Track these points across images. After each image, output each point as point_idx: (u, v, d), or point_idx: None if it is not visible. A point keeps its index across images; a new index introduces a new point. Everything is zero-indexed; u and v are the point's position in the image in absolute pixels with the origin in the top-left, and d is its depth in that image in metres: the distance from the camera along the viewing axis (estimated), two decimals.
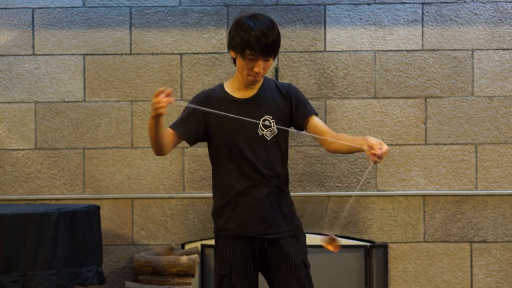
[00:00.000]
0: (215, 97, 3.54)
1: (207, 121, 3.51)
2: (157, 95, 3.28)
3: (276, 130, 3.47)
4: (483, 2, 5.68)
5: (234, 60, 3.49)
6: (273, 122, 3.48)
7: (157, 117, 3.34)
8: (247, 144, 3.46)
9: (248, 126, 3.45)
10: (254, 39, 3.36)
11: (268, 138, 3.47)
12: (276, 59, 3.50)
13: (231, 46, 3.46)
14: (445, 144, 5.69)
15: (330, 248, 3.36)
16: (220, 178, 3.52)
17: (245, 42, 3.37)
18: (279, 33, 3.44)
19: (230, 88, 3.55)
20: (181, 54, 5.71)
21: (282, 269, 3.48)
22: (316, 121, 3.52)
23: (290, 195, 3.58)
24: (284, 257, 3.47)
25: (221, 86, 3.59)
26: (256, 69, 3.42)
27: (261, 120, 3.47)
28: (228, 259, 3.48)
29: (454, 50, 5.69)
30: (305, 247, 3.54)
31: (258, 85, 3.52)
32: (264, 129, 3.48)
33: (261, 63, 3.41)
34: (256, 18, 3.43)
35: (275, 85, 3.56)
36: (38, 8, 5.72)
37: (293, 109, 3.52)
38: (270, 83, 3.55)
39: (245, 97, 3.51)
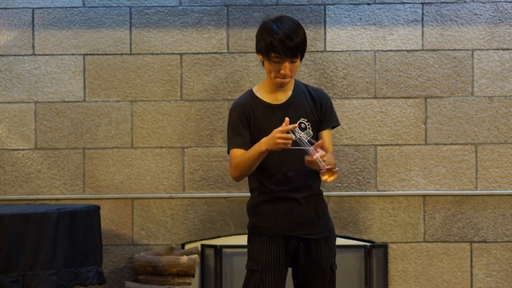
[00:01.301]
0: (250, 105, 3.57)
1: (251, 126, 3.57)
2: (283, 131, 3.34)
3: (312, 133, 3.53)
4: (483, 2, 5.68)
5: (263, 63, 3.54)
6: (308, 124, 3.55)
7: (267, 152, 3.40)
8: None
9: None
10: (278, 42, 3.42)
11: (305, 141, 3.51)
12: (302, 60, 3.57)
13: (257, 49, 3.52)
14: (445, 144, 5.69)
15: (330, 179, 3.37)
16: (258, 179, 3.56)
17: (269, 45, 3.44)
18: (304, 35, 3.49)
19: (262, 93, 3.59)
20: (181, 54, 5.71)
21: (309, 271, 3.57)
22: (325, 134, 3.60)
23: (323, 196, 3.65)
24: (314, 260, 3.56)
25: (250, 92, 3.62)
26: (282, 71, 3.47)
27: (298, 123, 3.52)
28: (261, 256, 3.53)
29: (454, 50, 5.69)
30: (334, 250, 3.63)
31: (291, 89, 3.58)
32: (300, 132, 3.53)
33: (287, 65, 3.47)
34: (281, 20, 3.48)
35: (307, 89, 3.62)
36: (38, 8, 5.72)
37: (321, 116, 3.59)
38: (302, 87, 3.61)
39: (280, 102, 3.56)
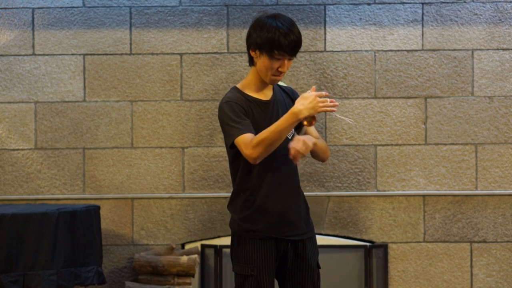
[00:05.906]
0: (243, 101, 3.48)
1: (250, 118, 3.49)
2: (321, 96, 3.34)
3: (293, 130, 3.48)
4: (483, 2, 5.68)
5: (251, 60, 3.47)
6: None
7: (301, 119, 3.35)
8: None
9: None
10: (283, 38, 3.37)
11: (289, 138, 3.48)
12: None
13: (253, 46, 3.44)
14: (445, 144, 5.69)
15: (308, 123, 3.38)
16: (247, 177, 3.50)
17: (272, 41, 3.37)
18: (299, 31, 3.46)
19: (249, 90, 3.50)
20: (181, 54, 5.71)
21: (299, 271, 3.54)
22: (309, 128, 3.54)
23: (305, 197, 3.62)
24: (302, 259, 3.54)
25: (237, 89, 3.52)
26: (281, 69, 3.43)
27: None
28: (255, 259, 3.48)
29: (454, 50, 5.69)
30: (317, 248, 3.62)
31: (270, 86, 3.53)
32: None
33: (286, 62, 3.43)
34: (278, 17, 3.43)
35: (278, 87, 3.58)
36: (38, 8, 5.72)
37: None
38: (275, 85, 3.57)
39: (267, 99, 3.51)
